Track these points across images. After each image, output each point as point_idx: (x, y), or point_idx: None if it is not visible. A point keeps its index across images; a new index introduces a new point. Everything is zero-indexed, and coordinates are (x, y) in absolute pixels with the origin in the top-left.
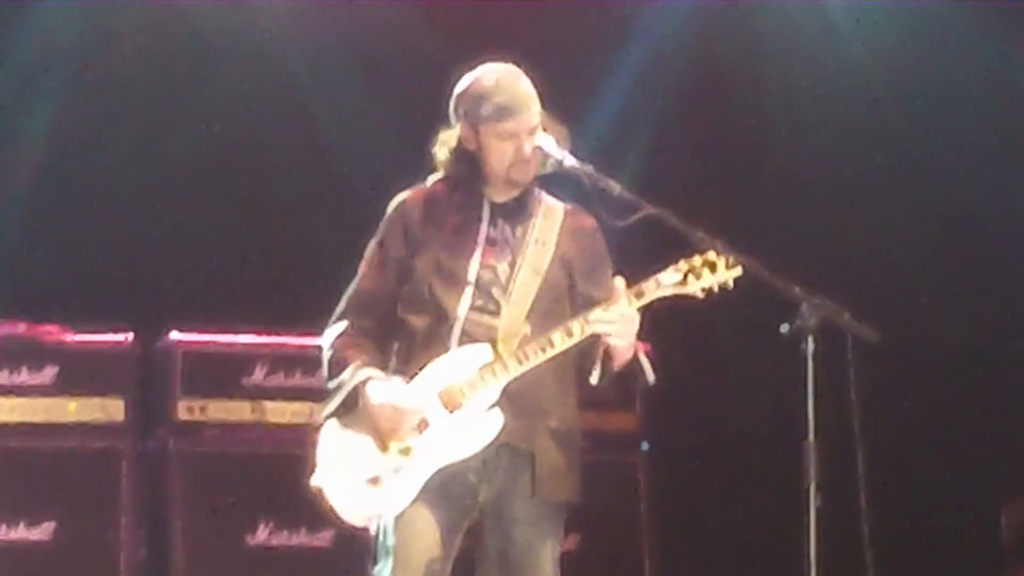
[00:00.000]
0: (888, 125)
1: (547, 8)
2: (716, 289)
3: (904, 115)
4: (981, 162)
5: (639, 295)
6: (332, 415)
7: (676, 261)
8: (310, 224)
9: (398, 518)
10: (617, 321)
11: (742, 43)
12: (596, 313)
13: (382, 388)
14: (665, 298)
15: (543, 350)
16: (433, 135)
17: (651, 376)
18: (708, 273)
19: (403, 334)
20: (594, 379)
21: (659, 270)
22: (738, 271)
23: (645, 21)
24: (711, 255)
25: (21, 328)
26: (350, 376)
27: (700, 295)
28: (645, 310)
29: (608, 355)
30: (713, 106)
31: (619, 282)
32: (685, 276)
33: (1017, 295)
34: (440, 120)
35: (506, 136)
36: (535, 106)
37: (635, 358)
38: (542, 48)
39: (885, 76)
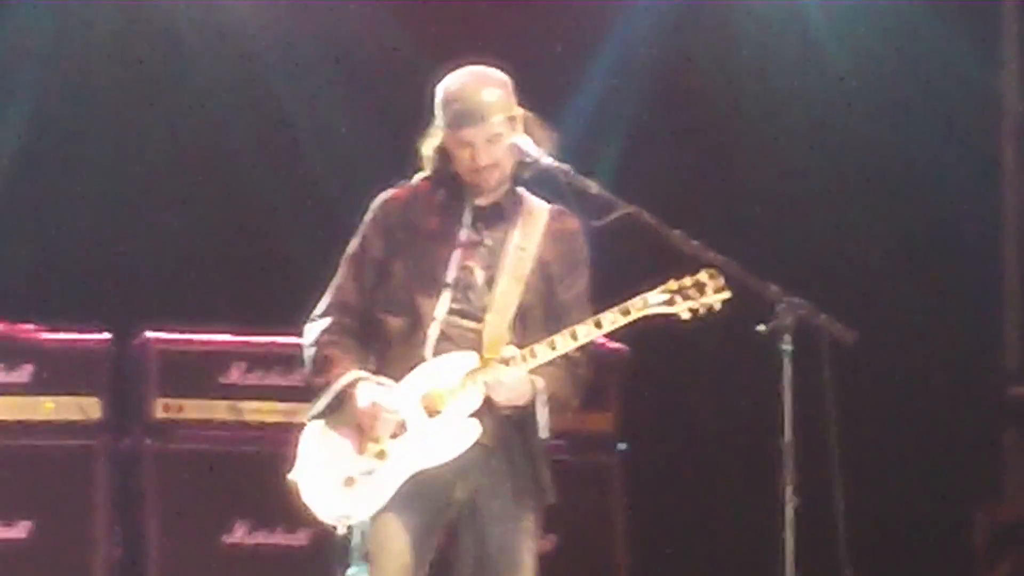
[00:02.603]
0: (862, 125)
1: (523, 9)
2: (703, 312)
3: (877, 115)
4: (956, 162)
5: (625, 313)
6: (318, 416)
7: (665, 279)
8: (285, 223)
9: (371, 523)
10: (501, 385)
11: (716, 44)
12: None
13: (370, 389)
14: (649, 317)
15: (525, 360)
16: (407, 135)
17: (544, 431)
18: (696, 295)
19: (379, 334)
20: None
21: (647, 288)
22: (726, 294)
23: (620, 22)
24: (701, 276)
25: None
26: (338, 377)
27: (687, 316)
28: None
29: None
30: (688, 106)
31: (511, 351)
32: (673, 296)
33: (992, 298)
34: (413, 121)
35: (462, 144)
36: (496, 116)
37: (531, 407)
38: (517, 48)
39: (858, 75)
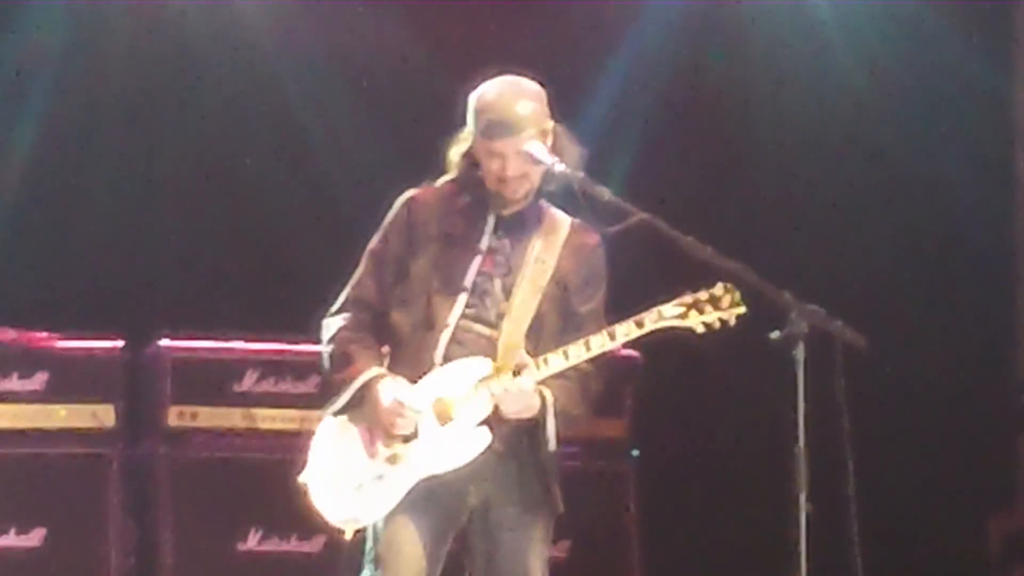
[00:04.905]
0: (874, 133)
1: (534, 17)
2: (717, 325)
3: (890, 124)
4: (968, 169)
5: (639, 325)
6: (339, 412)
7: (678, 287)
8: (298, 230)
9: (384, 527)
10: (509, 396)
11: (728, 52)
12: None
13: (392, 386)
14: (664, 329)
15: (538, 369)
16: (421, 143)
17: (552, 444)
18: (710, 309)
19: (391, 333)
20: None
21: (660, 296)
22: (741, 309)
23: (633, 30)
24: (716, 290)
25: (11, 334)
26: (360, 373)
27: (700, 330)
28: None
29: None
30: (699, 113)
31: (524, 358)
32: (687, 310)
33: (1005, 305)
34: (427, 129)
35: (493, 154)
36: (529, 129)
37: (541, 418)
38: (528, 56)
39: (870, 84)
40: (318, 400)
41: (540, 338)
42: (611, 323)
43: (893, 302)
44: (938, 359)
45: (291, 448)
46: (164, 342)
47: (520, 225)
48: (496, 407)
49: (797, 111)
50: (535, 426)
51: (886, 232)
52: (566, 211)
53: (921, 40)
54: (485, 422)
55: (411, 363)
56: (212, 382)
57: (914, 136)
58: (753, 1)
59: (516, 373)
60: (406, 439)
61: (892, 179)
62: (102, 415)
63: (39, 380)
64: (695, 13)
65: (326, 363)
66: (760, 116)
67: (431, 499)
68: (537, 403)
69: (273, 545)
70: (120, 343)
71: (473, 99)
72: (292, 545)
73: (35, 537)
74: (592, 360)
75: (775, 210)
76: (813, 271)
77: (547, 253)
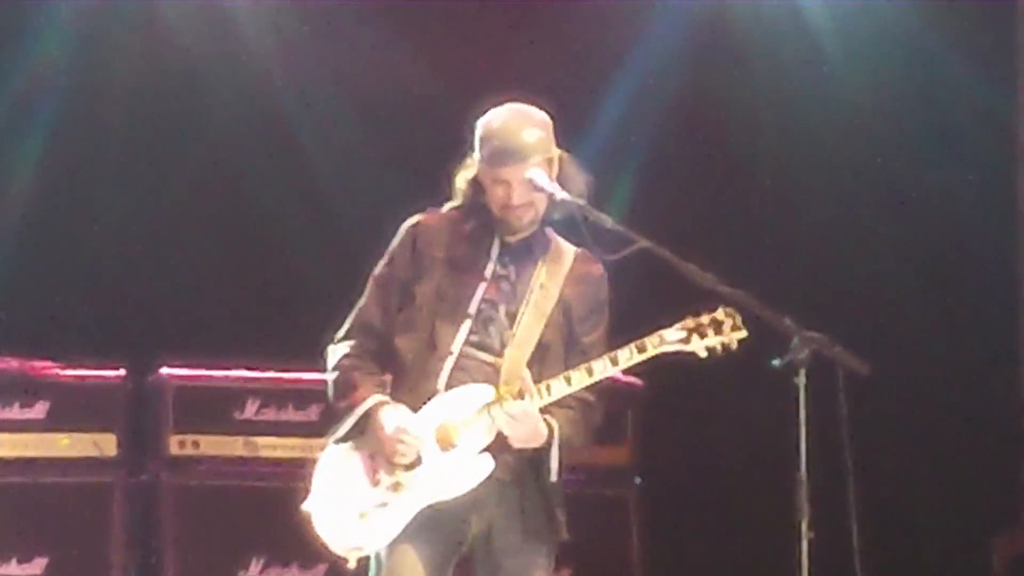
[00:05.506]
0: (876, 157)
1: (536, 42)
2: (720, 350)
3: (893, 147)
4: (971, 191)
5: (641, 349)
6: (341, 439)
7: (680, 313)
8: (301, 259)
9: (387, 556)
10: (515, 422)
11: (730, 77)
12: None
13: (394, 414)
14: (666, 353)
15: (540, 396)
16: (425, 170)
17: (554, 475)
18: (713, 332)
19: (394, 359)
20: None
21: (662, 322)
22: (743, 333)
23: (634, 55)
24: (719, 314)
25: (13, 363)
26: (362, 400)
27: (703, 354)
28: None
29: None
30: (701, 139)
31: (527, 382)
32: (689, 334)
33: (1008, 327)
34: (431, 155)
35: (498, 181)
36: (534, 157)
37: (546, 449)
38: (530, 81)
39: (872, 106)
40: (319, 428)
41: (543, 366)
42: (613, 348)
43: (895, 322)
44: (941, 381)
45: (292, 476)
46: (166, 371)
47: (525, 252)
48: (500, 434)
49: (799, 134)
50: (539, 454)
51: (887, 256)
52: (570, 239)
53: (924, 65)
54: (488, 449)
55: (414, 389)
56: (214, 410)
57: (918, 162)
58: (755, 25)
59: (518, 399)
60: (409, 466)
61: (895, 200)
62: (104, 444)
63: (41, 409)
64: (698, 39)
65: (330, 390)
66: (761, 140)
67: (434, 527)
68: (544, 430)
69: (275, 573)
70: (122, 372)
71: (480, 126)
72: (294, 573)
73: (37, 566)
74: (594, 389)
75: (775, 236)
76: (815, 292)
77: (551, 281)
